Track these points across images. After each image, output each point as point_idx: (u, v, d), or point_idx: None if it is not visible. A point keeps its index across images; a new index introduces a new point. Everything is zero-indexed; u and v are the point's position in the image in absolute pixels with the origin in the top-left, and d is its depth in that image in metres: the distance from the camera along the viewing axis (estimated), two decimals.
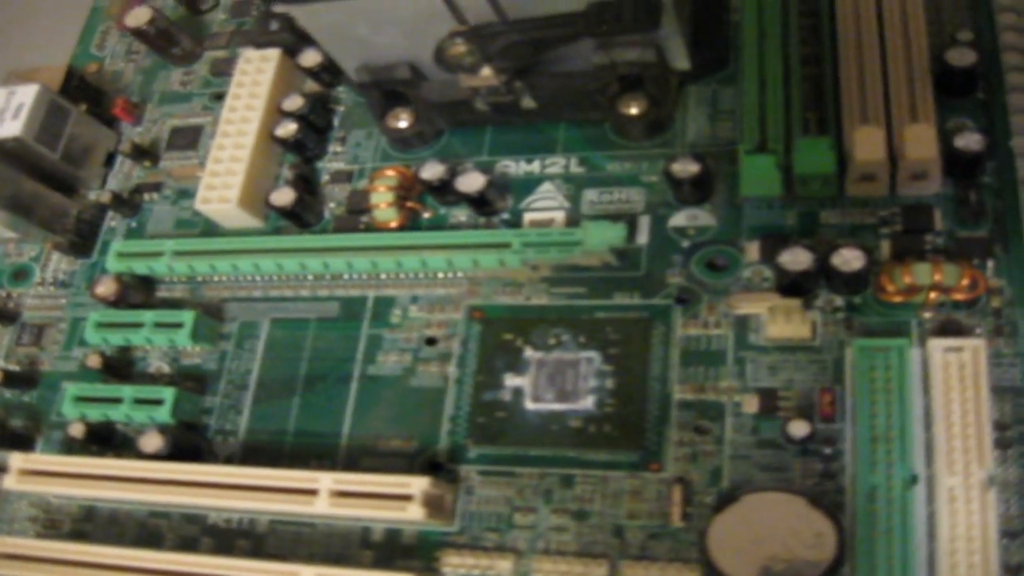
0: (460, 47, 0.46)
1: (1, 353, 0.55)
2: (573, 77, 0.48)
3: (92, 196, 0.58)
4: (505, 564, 0.42)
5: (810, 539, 0.38)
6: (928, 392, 0.40)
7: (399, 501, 0.40)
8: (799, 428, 0.41)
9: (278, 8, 0.52)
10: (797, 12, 0.49)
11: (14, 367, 0.54)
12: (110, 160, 0.59)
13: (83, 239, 0.57)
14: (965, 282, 0.42)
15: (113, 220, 0.57)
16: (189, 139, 0.58)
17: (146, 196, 0.57)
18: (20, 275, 0.57)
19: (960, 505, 0.37)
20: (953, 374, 0.40)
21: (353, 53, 0.50)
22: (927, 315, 0.42)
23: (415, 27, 0.47)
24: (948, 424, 0.39)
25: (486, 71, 0.47)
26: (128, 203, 0.56)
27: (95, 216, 0.57)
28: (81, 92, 0.59)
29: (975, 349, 0.40)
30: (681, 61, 0.48)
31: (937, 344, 0.41)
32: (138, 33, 0.60)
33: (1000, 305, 0.42)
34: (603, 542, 0.42)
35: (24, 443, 0.52)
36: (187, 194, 0.56)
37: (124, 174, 0.58)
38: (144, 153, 0.58)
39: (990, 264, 0.43)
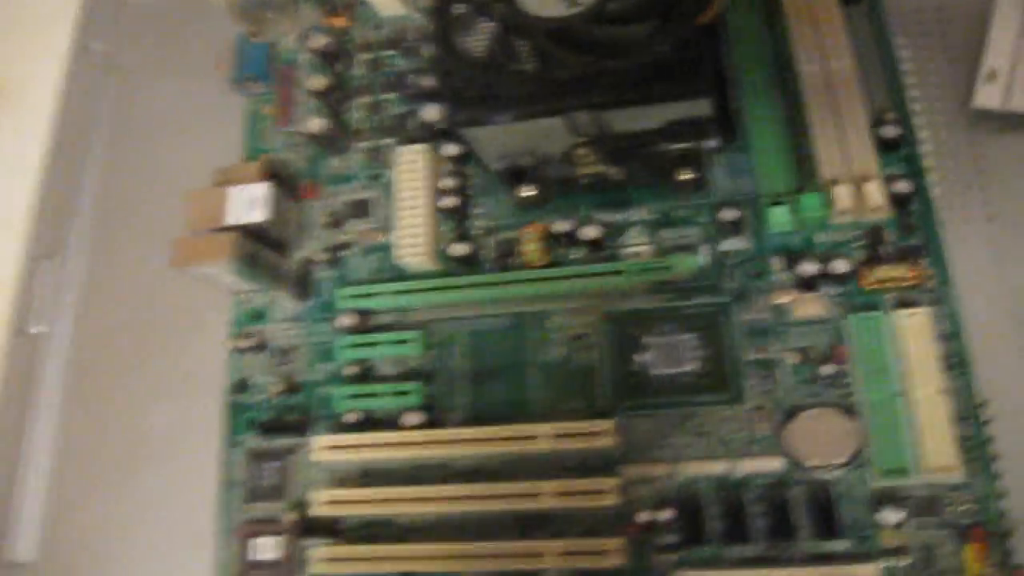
0: (582, 152, 0.68)
1: (266, 370, 0.75)
2: (647, 159, 0.69)
3: (298, 255, 0.77)
4: (661, 468, 0.65)
5: (844, 433, 0.62)
6: (898, 340, 0.63)
7: (596, 436, 0.63)
8: (827, 368, 0.64)
9: (449, 148, 0.74)
10: (782, 105, 0.70)
11: (279, 381, 0.74)
12: (303, 227, 0.80)
13: (302, 286, 0.77)
14: (910, 275, 0.64)
15: (322, 272, 0.77)
16: (363, 209, 0.78)
17: (341, 253, 0.77)
18: (259, 315, 0.77)
19: (925, 406, 0.61)
20: (913, 331, 0.62)
21: (493, 151, 0.71)
22: (890, 296, 0.65)
23: (542, 136, 0.67)
24: (913, 358, 0.62)
25: (594, 167, 0.70)
26: (331, 259, 0.77)
27: (304, 269, 0.77)
28: (273, 180, 0.76)
29: (925, 313, 0.63)
30: (712, 142, 0.68)
31: (901, 312, 0.63)
32: (312, 136, 0.79)
33: (933, 285, 0.65)
34: (718, 450, 0.64)
35: (301, 431, 0.72)
36: (372, 250, 0.76)
37: (319, 237, 0.78)
38: (332, 222, 0.78)
39: (923, 262, 0.65)
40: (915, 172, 0.67)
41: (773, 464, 0.63)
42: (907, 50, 0.73)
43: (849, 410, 0.62)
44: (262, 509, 0.70)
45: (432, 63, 0.71)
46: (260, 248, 0.75)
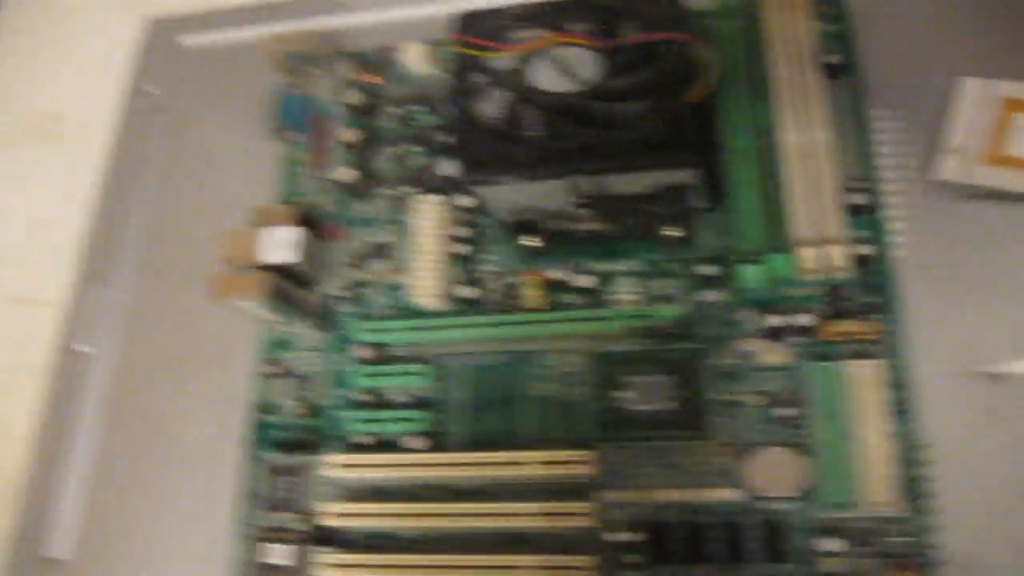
0: (580, 211, 0.78)
1: (288, 393, 0.85)
2: (640, 217, 0.79)
3: (323, 290, 0.87)
4: (634, 494, 0.74)
5: (797, 469, 0.71)
6: (851, 387, 0.71)
7: (579, 464, 0.73)
8: (783, 411, 0.73)
9: (463, 200, 0.85)
10: (760, 165, 0.79)
11: (299, 403, 0.84)
12: (330, 265, 0.91)
13: (324, 319, 0.88)
14: (865, 329, 0.73)
15: (343, 307, 0.87)
16: (383, 251, 0.88)
17: (362, 291, 0.87)
18: (284, 344, 0.87)
19: (871, 447, 0.70)
20: (864, 380, 0.71)
21: (502, 205, 0.81)
22: (847, 347, 0.73)
23: (546, 194, 0.76)
24: (863, 404, 0.70)
25: (593, 224, 0.80)
26: (353, 295, 0.88)
27: (327, 304, 0.87)
28: (303, 221, 0.86)
29: (875, 365, 0.71)
30: (699, 203, 0.79)
31: (854, 363, 0.71)
32: (343, 184, 0.91)
33: (886, 339, 0.72)
34: (686, 480, 0.73)
35: (315, 450, 0.82)
36: (390, 288, 0.86)
37: (343, 275, 0.88)
38: (356, 262, 0.88)
39: (880, 317, 0.73)
40: (879, 235, 0.76)
41: (733, 495, 0.73)
42: (882, 121, 0.82)
43: (802, 449, 0.72)
44: (277, 519, 0.81)
45: (450, 125, 0.80)
46: (289, 285, 0.85)
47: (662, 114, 0.73)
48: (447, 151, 0.88)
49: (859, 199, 0.77)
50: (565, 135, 0.75)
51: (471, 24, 0.81)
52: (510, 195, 0.79)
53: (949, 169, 0.79)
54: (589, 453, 0.74)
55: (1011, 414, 0.71)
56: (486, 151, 0.76)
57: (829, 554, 0.70)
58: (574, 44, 0.77)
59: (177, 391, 0.90)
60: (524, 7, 0.80)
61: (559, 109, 0.75)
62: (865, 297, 0.75)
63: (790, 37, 0.84)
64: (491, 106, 0.78)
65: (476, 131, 0.76)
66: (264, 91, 0.99)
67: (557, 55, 0.77)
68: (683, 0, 0.77)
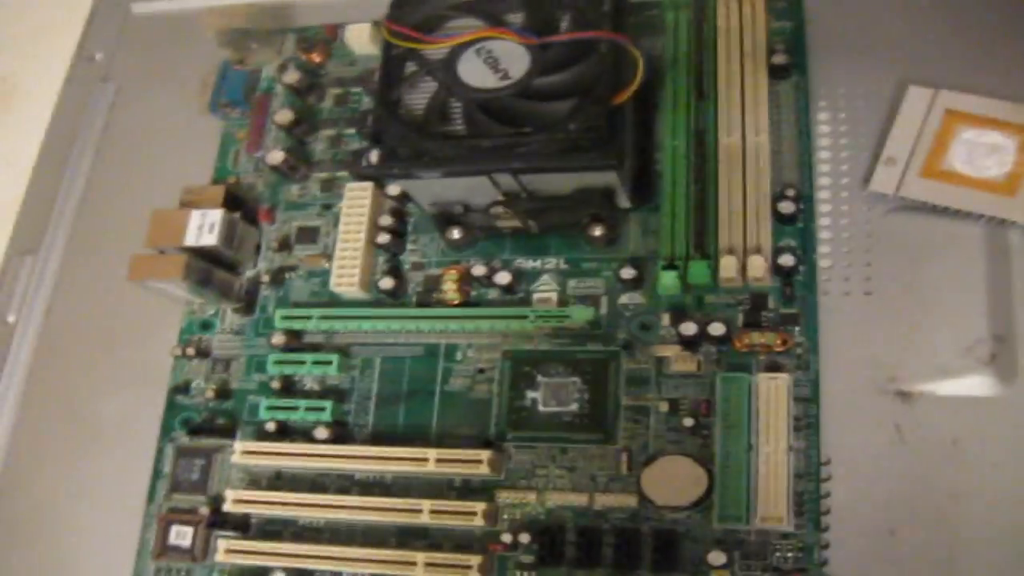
0: (500, 209, 0.78)
1: (204, 376, 0.86)
2: (564, 214, 0.79)
3: (248, 274, 0.88)
4: (531, 495, 0.74)
5: (694, 480, 0.71)
6: (758, 400, 0.70)
7: (475, 463, 0.73)
8: (688, 421, 0.73)
9: (391, 188, 0.84)
10: (694, 166, 0.80)
11: (213, 386, 0.84)
12: (257, 249, 0.89)
13: (246, 304, 0.87)
14: (779, 341, 0.73)
15: (266, 291, 0.87)
16: (311, 236, 0.88)
17: (286, 275, 0.87)
18: (206, 326, 0.88)
19: (770, 461, 0.69)
20: (772, 392, 0.70)
21: (428, 197, 0.81)
22: (760, 359, 0.73)
23: (471, 189, 0.76)
24: (768, 418, 0.69)
25: (513, 221, 0.80)
26: (276, 280, 0.88)
27: (252, 288, 0.87)
28: (233, 202, 0.87)
29: (784, 378, 0.70)
30: (625, 203, 0.79)
31: (764, 376, 0.71)
32: (274, 167, 0.90)
33: (800, 352, 0.73)
34: (584, 484, 0.73)
35: (228, 434, 0.82)
36: (314, 274, 0.86)
37: (268, 259, 0.88)
38: (282, 246, 0.89)
39: (797, 329, 0.74)
40: (805, 246, 0.76)
41: (629, 501, 0.73)
42: (825, 125, 0.82)
43: (702, 459, 0.72)
44: (184, 500, 0.81)
45: (373, 116, 0.80)
46: (210, 267, 0.85)
47: (585, 116, 0.72)
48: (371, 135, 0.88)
49: (789, 207, 0.76)
50: (487, 132, 0.74)
51: (404, 10, 0.80)
52: (434, 188, 0.79)
53: (883, 181, 0.78)
54: (487, 453, 0.74)
55: (915, 434, 0.71)
56: (407, 145, 0.76)
57: (716, 566, 0.69)
58: (503, 39, 0.76)
59: (98, 366, 0.90)
60: None
61: (483, 105, 0.75)
62: (784, 308, 0.75)
63: (739, 31, 0.85)
64: (417, 96, 0.78)
65: (397, 122, 0.76)
66: (209, 65, 1.00)
67: (486, 48, 0.77)
68: None
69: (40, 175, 1.00)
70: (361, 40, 0.95)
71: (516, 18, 0.78)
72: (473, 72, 0.76)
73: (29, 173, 1.00)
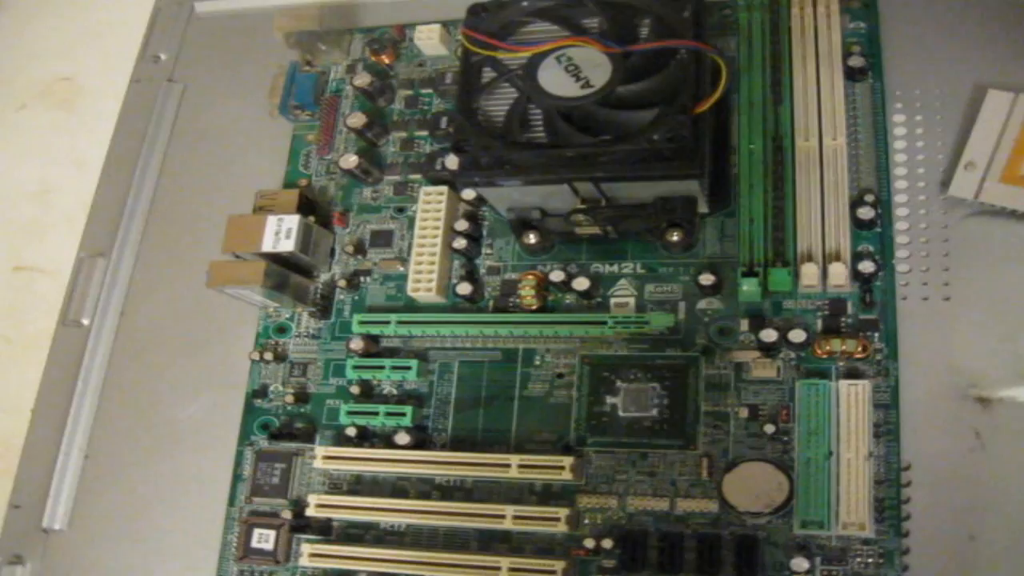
0: (581, 216, 0.82)
1: (282, 380, 0.92)
2: (644, 221, 0.84)
3: (323, 278, 0.93)
4: (612, 500, 0.80)
5: (776, 486, 0.76)
6: (838, 407, 0.74)
7: (557, 469, 0.79)
8: (769, 427, 0.76)
9: (466, 193, 0.90)
10: (771, 172, 0.84)
11: (291, 391, 0.90)
12: (332, 252, 0.95)
13: (322, 308, 0.93)
14: (860, 348, 0.78)
15: (342, 295, 0.93)
16: (385, 239, 0.94)
17: (362, 279, 0.93)
18: (281, 330, 0.94)
19: (851, 467, 0.73)
20: (852, 399, 0.73)
21: (505, 202, 0.85)
22: (840, 364, 0.77)
23: (549, 194, 0.79)
24: (848, 424, 0.73)
25: (592, 228, 0.85)
26: (351, 284, 0.94)
27: (328, 292, 0.93)
28: (307, 206, 0.93)
29: (865, 385, 0.73)
30: (703, 208, 0.83)
31: (845, 382, 0.74)
32: (348, 171, 0.95)
33: (880, 358, 0.76)
34: (665, 489, 0.77)
35: (307, 438, 0.88)
36: (389, 278, 0.91)
37: (343, 263, 0.94)
38: (357, 250, 0.94)
39: (875, 335, 0.78)
40: (884, 251, 0.79)
41: (710, 506, 0.79)
42: (901, 127, 0.86)
43: (783, 465, 0.77)
44: (265, 503, 0.88)
45: (455, 125, 0.84)
46: (287, 272, 0.91)
47: (666, 126, 0.76)
48: (452, 143, 0.93)
49: (868, 213, 0.79)
50: (569, 141, 0.79)
51: (482, 17, 0.85)
52: (512, 194, 0.83)
53: (962, 185, 0.82)
54: (569, 459, 0.80)
55: (995, 440, 0.76)
56: (488, 154, 0.80)
57: (799, 572, 0.75)
58: (585, 47, 0.81)
59: (174, 370, 0.97)
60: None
61: (563, 113, 0.80)
62: (862, 314, 0.79)
63: (813, 32, 0.88)
64: (495, 103, 0.83)
65: (477, 130, 0.81)
66: (277, 66, 1.05)
67: (567, 55, 0.81)
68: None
69: (109, 176, 1.06)
70: (431, 41, 1.01)
71: (593, 24, 0.83)
72: (554, 80, 0.80)
73: (98, 174, 1.05)
